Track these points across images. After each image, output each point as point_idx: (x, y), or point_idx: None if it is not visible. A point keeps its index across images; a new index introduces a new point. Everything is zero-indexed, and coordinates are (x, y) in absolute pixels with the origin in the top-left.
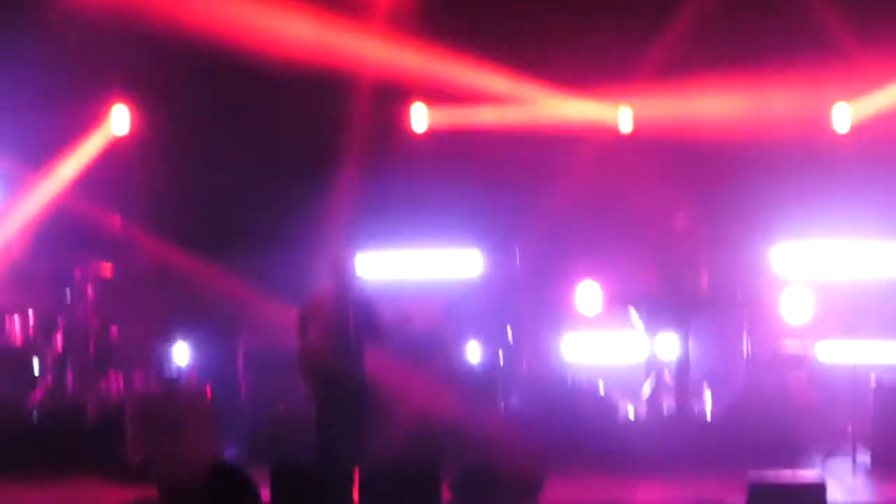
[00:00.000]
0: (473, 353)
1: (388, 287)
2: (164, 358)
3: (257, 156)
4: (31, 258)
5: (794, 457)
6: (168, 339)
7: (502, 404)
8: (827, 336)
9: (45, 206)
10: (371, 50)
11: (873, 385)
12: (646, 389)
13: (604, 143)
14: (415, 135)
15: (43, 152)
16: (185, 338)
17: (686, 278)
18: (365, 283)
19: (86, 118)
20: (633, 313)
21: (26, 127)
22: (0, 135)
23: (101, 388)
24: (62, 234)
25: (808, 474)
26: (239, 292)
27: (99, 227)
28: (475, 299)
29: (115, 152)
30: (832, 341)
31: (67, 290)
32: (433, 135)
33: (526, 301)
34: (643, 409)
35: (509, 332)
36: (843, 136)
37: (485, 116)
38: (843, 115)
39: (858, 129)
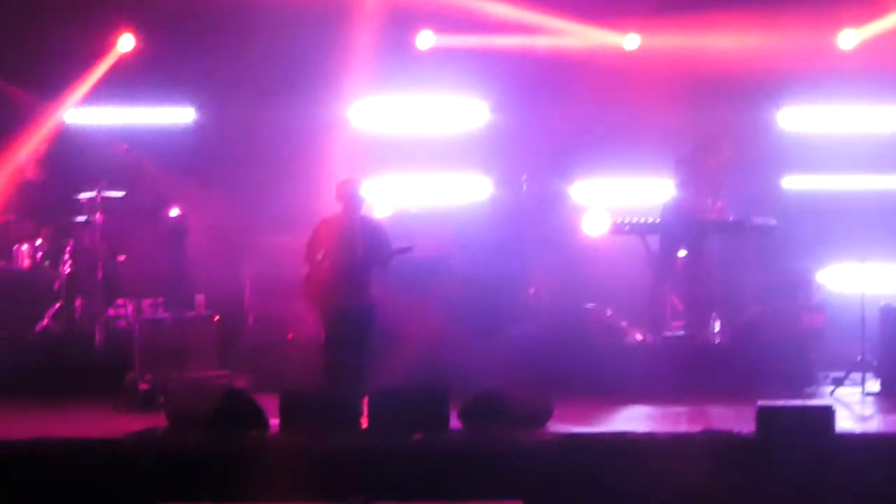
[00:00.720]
0: (481, 279)
1: (396, 214)
2: (172, 285)
3: (261, 82)
4: (41, 185)
5: (802, 383)
6: (176, 266)
7: (510, 331)
8: (836, 261)
9: (55, 133)
10: None
11: (881, 311)
12: (654, 313)
13: (611, 65)
14: (420, 53)
15: (53, 78)
16: (193, 264)
17: (699, 202)
18: (372, 211)
19: (94, 43)
20: (644, 237)
21: (36, 52)
22: (11, 62)
23: (109, 315)
24: (71, 161)
25: (816, 401)
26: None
27: (108, 154)
28: (482, 225)
29: (121, 76)
30: (842, 265)
31: (76, 217)
32: (438, 54)
33: (533, 226)
34: (651, 334)
35: (516, 258)
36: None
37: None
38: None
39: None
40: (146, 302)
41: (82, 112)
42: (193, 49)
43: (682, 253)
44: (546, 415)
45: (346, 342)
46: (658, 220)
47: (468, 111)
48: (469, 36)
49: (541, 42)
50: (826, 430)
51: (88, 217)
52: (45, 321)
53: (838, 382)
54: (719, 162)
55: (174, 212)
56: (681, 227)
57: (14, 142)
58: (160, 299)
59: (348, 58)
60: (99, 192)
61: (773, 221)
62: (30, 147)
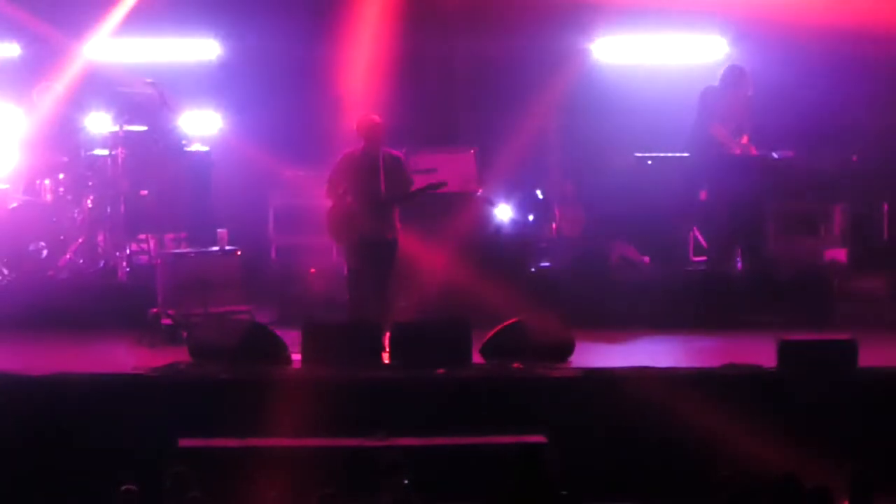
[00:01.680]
0: (503, 214)
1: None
2: (194, 220)
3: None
4: (64, 119)
5: (824, 316)
6: (199, 201)
7: (532, 266)
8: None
9: (79, 68)
10: None
11: None
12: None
13: None
14: None
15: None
16: (216, 199)
17: (724, 135)
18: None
19: None
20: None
21: None
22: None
23: (132, 250)
24: (94, 95)
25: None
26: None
27: (131, 88)
28: (504, 159)
29: (145, 10)
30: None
31: (98, 150)
32: None
33: (555, 161)
34: (674, 267)
35: (538, 192)
36: None
37: None
38: None
39: None
40: (169, 237)
41: (106, 46)
42: None
43: (704, 187)
44: (568, 349)
45: (368, 276)
46: (683, 154)
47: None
48: None
49: None
50: (849, 364)
51: (111, 151)
52: (68, 256)
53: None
54: (745, 95)
55: (197, 146)
56: (705, 160)
57: (42, 78)
58: (183, 234)
59: None
60: (121, 126)
61: (793, 154)
62: (57, 84)
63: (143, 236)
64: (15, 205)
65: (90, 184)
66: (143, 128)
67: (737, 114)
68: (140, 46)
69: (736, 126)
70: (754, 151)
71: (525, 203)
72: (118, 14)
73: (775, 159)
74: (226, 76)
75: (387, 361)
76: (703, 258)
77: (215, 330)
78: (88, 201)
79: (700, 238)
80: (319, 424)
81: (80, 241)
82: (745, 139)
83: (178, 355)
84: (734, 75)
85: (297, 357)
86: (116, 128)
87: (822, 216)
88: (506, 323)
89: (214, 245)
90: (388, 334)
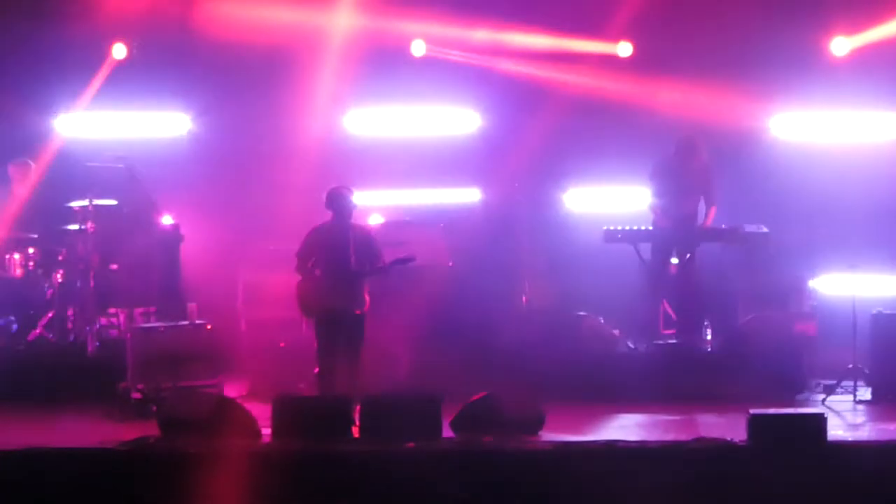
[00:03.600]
0: (474, 287)
1: (389, 221)
2: (164, 294)
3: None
4: (35, 193)
5: (794, 391)
6: (169, 275)
7: (502, 337)
8: (827, 269)
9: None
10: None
11: (872, 319)
12: (646, 321)
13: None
14: (413, 61)
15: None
16: (186, 273)
17: (692, 209)
18: (364, 218)
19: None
20: (636, 244)
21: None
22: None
23: (101, 324)
24: (65, 169)
25: (808, 409)
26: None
27: (101, 163)
28: (475, 232)
29: (115, 85)
30: (833, 275)
31: (69, 225)
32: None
33: (525, 233)
34: (643, 340)
35: (508, 264)
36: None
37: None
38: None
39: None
40: (138, 311)
41: (76, 121)
42: (188, 58)
43: (674, 261)
44: (538, 423)
45: (338, 350)
46: (650, 227)
47: (460, 119)
48: (461, 52)
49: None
50: (818, 439)
51: (81, 225)
52: (38, 330)
53: (830, 390)
54: (700, 163)
55: (167, 220)
56: (673, 234)
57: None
58: (152, 308)
59: (343, 66)
60: (91, 200)
61: (764, 229)
62: (29, 160)
63: (112, 310)
64: None
65: (60, 258)
66: (114, 202)
67: (694, 184)
68: (111, 121)
69: (691, 196)
70: (708, 222)
71: (495, 276)
72: (90, 90)
73: (745, 232)
74: (197, 150)
75: (357, 435)
76: (673, 331)
77: (185, 404)
78: (58, 275)
79: (670, 311)
80: (289, 498)
81: (50, 315)
82: (712, 211)
83: (147, 429)
84: (685, 145)
85: (266, 431)
86: (86, 202)
87: (792, 290)
88: (476, 396)
89: (184, 319)
90: (358, 408)
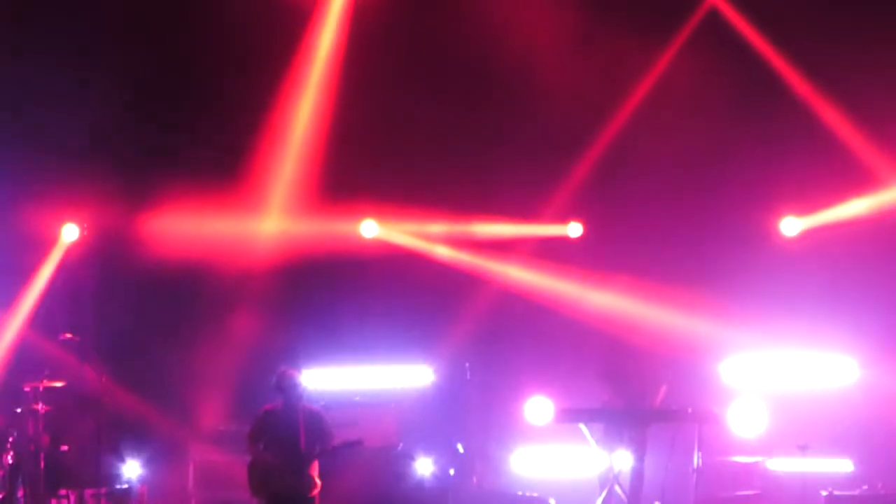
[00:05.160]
0: (424, 467)
1: (339, 401)
2: (114, 475)
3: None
4: None
5: None
6: (118, 455)
7: None
8: (777, 451)
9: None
10: None
11: (824, 498)
12: None
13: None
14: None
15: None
16: (135, 454)
17: (641, 393)
18: (314, 399)
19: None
20: (586, 428)
21: None
22: None
23: None
24: (13, 352)
25: None
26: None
27: (50, 345)
28: (425, 413)
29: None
30: (783, 459)
31: (18, 407)
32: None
33: (476, 415)
34: None
35: (459, 446)
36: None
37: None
38: (792, 227)
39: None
40: (89, 492)
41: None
42: None
43: (624, 445)
44: None
45: None
46: (602, 411)
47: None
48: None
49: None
50: None
51: (31, 407)
52: None
53: None
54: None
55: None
56: (623, 415)
57: None
58: (103, 489)
59: None
60: (41, 381)
61: (715, 411)
62: None
63: (63, 492)
64: None
65: (11, 440)
66: (61, 383)
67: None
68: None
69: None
70: (658, 402)
71: (446, 457)
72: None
73: (695, 413)
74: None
75: None
76: None
77: None
78: (9, 457)
79: (621, 492)
80: None
81: (1, 497)
82: (662, 390)
83: None
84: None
85: None
86: (37, 383)
87: (751, 470)
88: None
89: (135, 500)
90: None
